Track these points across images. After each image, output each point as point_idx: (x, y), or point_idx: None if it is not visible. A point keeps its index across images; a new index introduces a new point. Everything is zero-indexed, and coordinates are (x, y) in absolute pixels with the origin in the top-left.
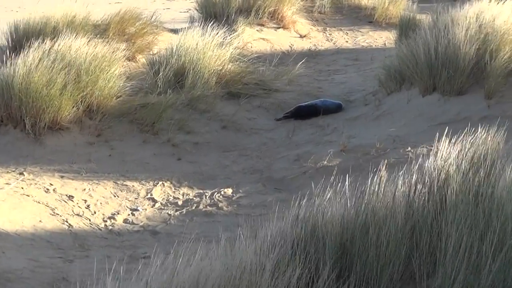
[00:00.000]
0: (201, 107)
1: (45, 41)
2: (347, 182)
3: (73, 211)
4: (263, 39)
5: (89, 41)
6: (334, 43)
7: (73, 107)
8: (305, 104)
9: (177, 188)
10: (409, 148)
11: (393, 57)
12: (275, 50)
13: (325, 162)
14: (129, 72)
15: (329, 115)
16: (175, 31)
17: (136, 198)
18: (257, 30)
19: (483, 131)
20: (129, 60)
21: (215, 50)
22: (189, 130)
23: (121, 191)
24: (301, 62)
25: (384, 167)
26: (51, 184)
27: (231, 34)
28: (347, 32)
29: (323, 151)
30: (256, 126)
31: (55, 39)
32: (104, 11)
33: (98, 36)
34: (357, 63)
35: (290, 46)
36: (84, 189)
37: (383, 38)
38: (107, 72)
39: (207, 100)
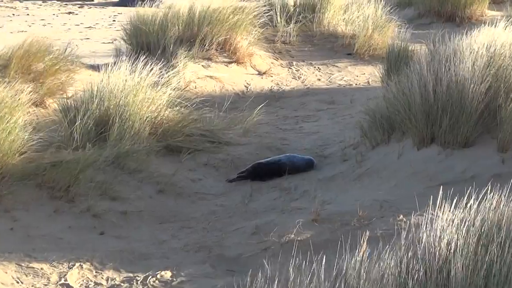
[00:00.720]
0: (131, 165)
1: None
2: (320, 261)
3: None
4: (210, 77)
5: None
6: (302, 82)
7: None
8: (265, 161)
9: (100, 271)
10: (401, 217)
11: (379, 99)
12: (227, 91)
13: (292, 236)
14: (37, 121)
15: (297, 175)
16: (96, 67)
17: (46, 285)
18: (202, 65)
19: (496, 193)
20: (37, 106)
21: (148, 92)
22: (115, 196)
23: (26, 275)
24: (260, 107)
25: (367, 241)
26: None
27: (169, 71)
28: (320, 67)
29: (290, 221)
30: (203, 190)
31: None
32: (4, 43)
33: None
34: (333, 108)
35: (246, 86)
36: None
37: (366, 75)
38: (7, 122)
39: (138, 157)
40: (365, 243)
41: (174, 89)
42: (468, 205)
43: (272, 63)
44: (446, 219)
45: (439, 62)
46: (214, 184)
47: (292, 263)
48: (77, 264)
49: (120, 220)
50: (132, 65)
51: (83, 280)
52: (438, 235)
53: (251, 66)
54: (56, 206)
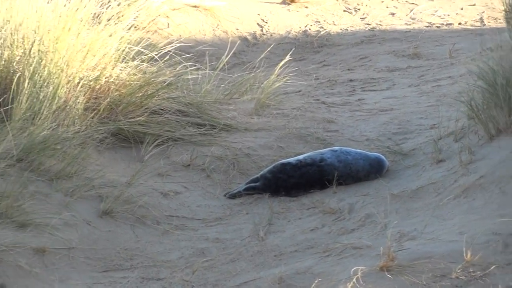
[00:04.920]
0: (52, 166)
1: None
2: None
3: None
4: (195, 7)
5: None
6: (363, 18)
7: None
8: (296, 161)
9: None
10: None
11: (503, 51)
12: (225, 34)
13: None
14: None
15: (354, 186)
16: None
17: None
18: None
19: None
20: None
21: (83, 31)
22: (24, 221)
23: None
24: (285, 61)
25: None
26: None
27: None
28: None
29: (340, 270)
30: (183, 212)
31: None
32: None
33: None
34: (418, 66)
35: (259, 24)
36: None
37: (478, 7)
38: None
39: (65, 151)
40: None
41: (129, 29)
42: None
43: None
44: None
45: None
46: (204, 202)
47: None
48: None
49: (33, 263)
50: None
51: None
52: None
53: None
54: None
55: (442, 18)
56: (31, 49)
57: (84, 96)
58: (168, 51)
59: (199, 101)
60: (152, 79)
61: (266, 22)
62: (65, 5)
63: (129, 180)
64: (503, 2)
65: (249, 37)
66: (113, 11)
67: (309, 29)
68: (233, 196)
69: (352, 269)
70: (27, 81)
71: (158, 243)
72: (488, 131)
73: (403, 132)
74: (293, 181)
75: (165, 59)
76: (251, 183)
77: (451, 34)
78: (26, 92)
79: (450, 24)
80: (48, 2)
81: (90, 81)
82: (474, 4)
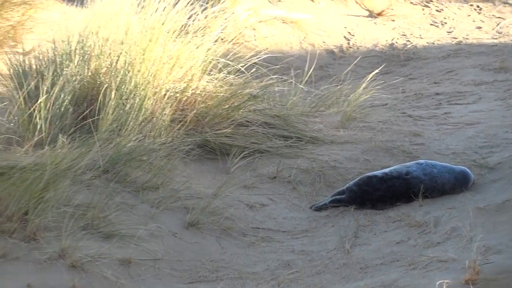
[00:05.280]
0: (138, 177)
1: None
2: None
3: None
4: (282, 20)
5: None
6: (449, 32)
7: None
8: (382, 174)
9: None
10: None
11: None
12: (312, 46)
13: None
14: None
15: (439, 199)
16: None
17: None
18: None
19: None
20: None
21: (170, 43)
22: (110, 232)
23: None
24: (372, 74)
25: None
26: None
27: (207, 8)
28: (480, 5)
29: (426, 283)
30: (269, 224)
31: None
32: None
33: None
34: (505, 79)
35: (346, 37)
36: None
37: None
38: None
39: (151, 162)
40: None
41: (216, 41)
42: None
43: None
44: None
45: None
46: (290, 214)
47: None
48: None
49: (119, 274)
50: None
51: None
52: None
53: (357, 2)
54: (3, 249)
55: None
56: (117, 60)
57: (170, 107)
58: (254, 63)
59: (286, 114)
60: (239, 91)
61: (353, 35)
62: (151, 16)
63: (215, 192)
64: None
65: (335, 50)
66: (199, 23)
67: (396, 42)
68: (319, 209)
69: (437, 282)
70: (113, 92)
71: (244, 255)
72: None
73: (489, 146)
74: (379, 194)
75: (252, 71)
76: (337, 195)
77: None
78: (113, 103)
79: None
80: (136, 13)
81: (177, 92)
82: None
